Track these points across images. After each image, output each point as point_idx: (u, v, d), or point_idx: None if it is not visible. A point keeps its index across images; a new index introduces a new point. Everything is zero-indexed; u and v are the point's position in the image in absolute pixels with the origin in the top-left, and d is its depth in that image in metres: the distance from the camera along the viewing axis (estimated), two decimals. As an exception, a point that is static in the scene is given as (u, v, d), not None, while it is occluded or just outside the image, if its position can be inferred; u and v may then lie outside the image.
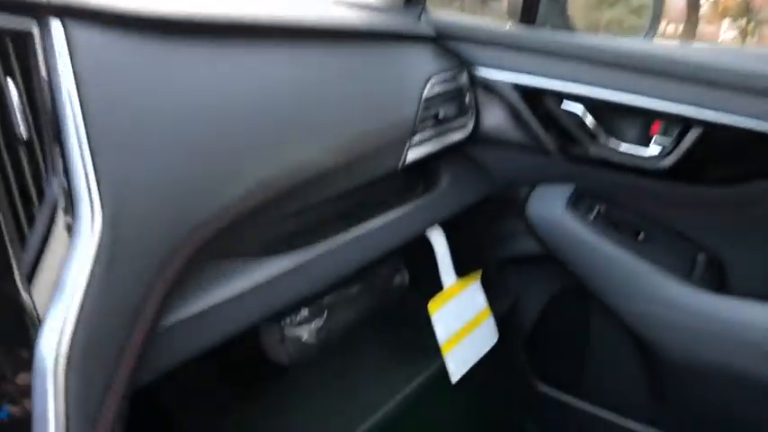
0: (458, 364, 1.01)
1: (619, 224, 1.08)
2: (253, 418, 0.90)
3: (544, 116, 1.04)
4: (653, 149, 1.00)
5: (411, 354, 1.03)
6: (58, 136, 0.49)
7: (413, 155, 0.94)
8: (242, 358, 0.99)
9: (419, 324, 1.03)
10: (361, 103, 0.83)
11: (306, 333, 0.96)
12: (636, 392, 1.16)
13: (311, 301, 0.99)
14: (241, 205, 0.64)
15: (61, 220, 0.49)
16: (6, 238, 0.45)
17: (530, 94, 1.03)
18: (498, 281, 1.23)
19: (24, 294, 0.45)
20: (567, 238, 1.08)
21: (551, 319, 1.24)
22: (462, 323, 1.04)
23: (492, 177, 1.14)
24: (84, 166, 0.50)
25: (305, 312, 0.97)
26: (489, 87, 1.05)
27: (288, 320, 0.94)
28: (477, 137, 1.09)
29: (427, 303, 1.00)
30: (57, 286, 0.47)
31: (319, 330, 0.97)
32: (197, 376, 0.94)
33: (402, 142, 0.91)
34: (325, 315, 0.99)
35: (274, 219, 0.76)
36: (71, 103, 0.50)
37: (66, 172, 0.50)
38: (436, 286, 1.04)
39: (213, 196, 0.61)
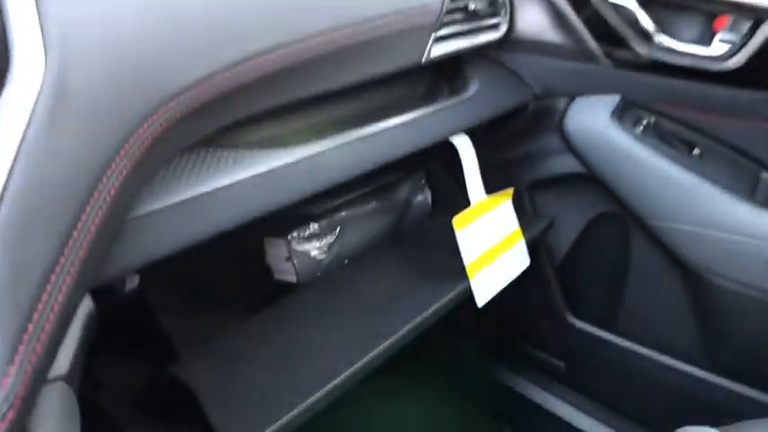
0: (484, 287, 0.91)
1: (670, 137, 0.96)
2: (256, 339, 0.82)
3: (589, 14, 0.92)
4: (716, 48, 0.87)
5: (433, 276, 0.93)
6: None
7: (438, 50, 0.84)
8: (247, 276, 0.91)
9: (443, 247, 0.94)
10: None
11: (315, 249, 0.87)
12: (679, 328, 1.05)
13: (322, 215, 0.90)
14: (231, 77, 0.54)
15: None
16: None
17: None
18: (530, 204, 1.13)
19: None
20: (611, 153, 0.96)
21: (588, 246, 1.13)
22: (490, 244, 0.93)
23: (527, 86, 1.02)
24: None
25: (314, 227, 0.88)
26: None
27: (295, 234, 0.85)
28: (511, 39, 0.99)
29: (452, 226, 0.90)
30: None
31: (331, 246, 0.88)
32: (195, 296, 0.86)
33: (426, 32, 0.80)
34: (337, 231, 0.90)
35: (280, 108, 0.66)
36: None
37: None
38: (463, 208, 0.94)
39: (193, 62, 0.50)
